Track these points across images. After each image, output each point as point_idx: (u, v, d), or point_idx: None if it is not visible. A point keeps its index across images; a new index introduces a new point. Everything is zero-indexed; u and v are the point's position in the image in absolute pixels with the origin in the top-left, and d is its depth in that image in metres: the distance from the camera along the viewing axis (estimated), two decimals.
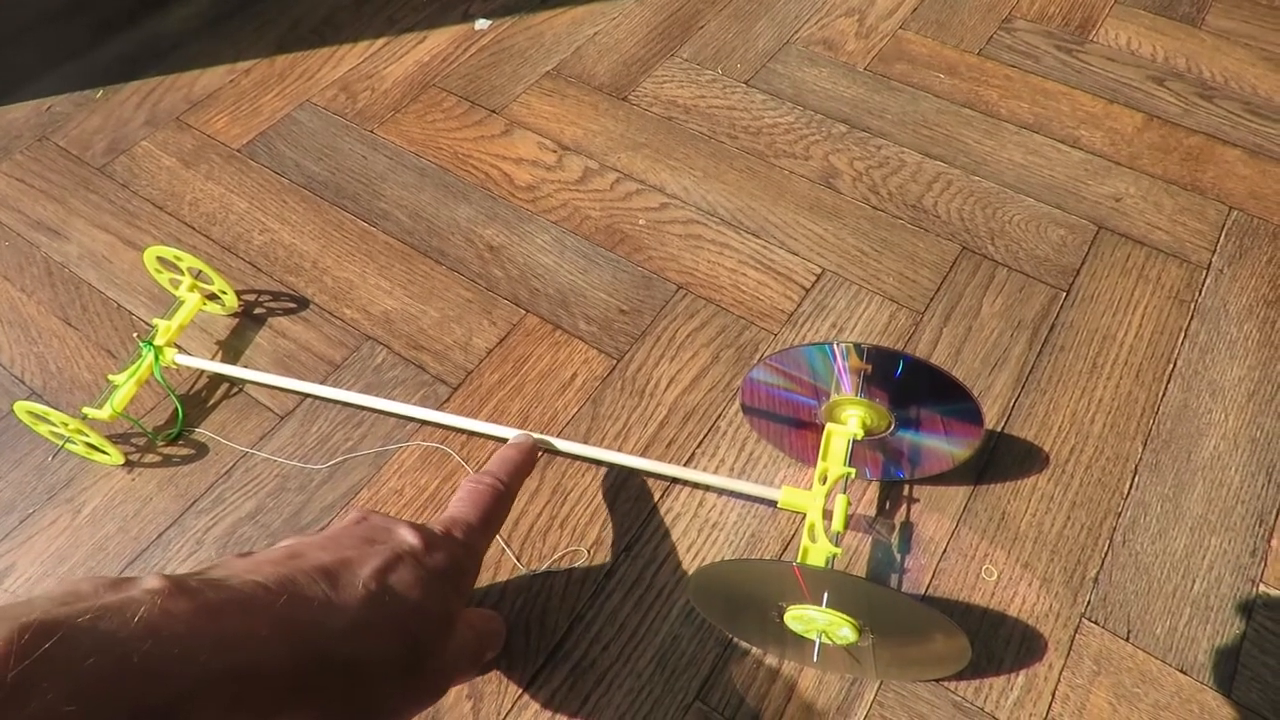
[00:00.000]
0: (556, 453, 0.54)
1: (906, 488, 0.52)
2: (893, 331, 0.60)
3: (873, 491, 0.52)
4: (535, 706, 0.45)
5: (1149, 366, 0.58)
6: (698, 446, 0.55)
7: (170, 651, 0.25)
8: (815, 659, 0.45)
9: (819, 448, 0.46)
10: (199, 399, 0.58)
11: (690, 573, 0.42)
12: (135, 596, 0.26)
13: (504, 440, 0.54)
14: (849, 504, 0.44)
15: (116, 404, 0.53)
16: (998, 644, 0.47)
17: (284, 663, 0.28)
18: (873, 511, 0.51)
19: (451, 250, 0.66)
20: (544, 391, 0.57)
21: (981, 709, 0.45)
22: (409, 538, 0.36)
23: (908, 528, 0.51)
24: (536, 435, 0.51)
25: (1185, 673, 0.46)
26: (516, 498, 0.45)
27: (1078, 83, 0.77)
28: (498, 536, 0.51)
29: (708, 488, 0.52)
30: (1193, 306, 0.61)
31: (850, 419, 0.47)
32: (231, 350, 0.60)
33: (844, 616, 0.39)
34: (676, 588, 0.49)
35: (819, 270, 0.63)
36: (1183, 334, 0.59)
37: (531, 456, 0.46)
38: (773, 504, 0.51)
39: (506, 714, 0.45)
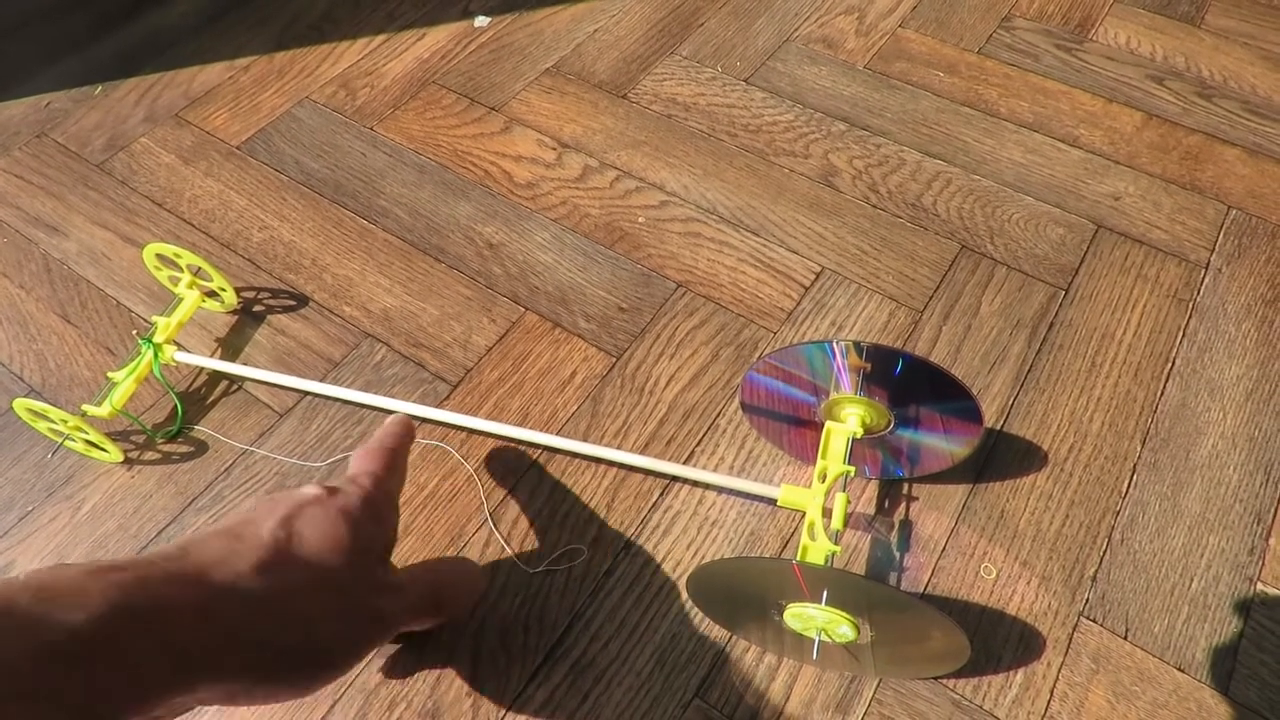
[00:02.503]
0: (557, 451, 0.54)
1: (906, 486, 0.52)
2: (892, 330, 0.60)
3: (872, 490, 0.52)
4: (535, 704, 0.45)
5: (1147, 365, 0.58)
6: (697, 444, 0.55)
7: (51, 601, 0.27)
8: (814, 657, 0.45)
9: (818, 446, 0.46)
10: (198, 396, 0.58)
11: (690, 571, 0.42)
12: (39, 569, 0.28)
13: (503, 438, 0.54)
14: (848, 502, 0.44)
15: (116, 401, 0.53)
16: (996, 642, 0.47)
17: (184, 602, 0.29)
18: (872, 510, 0.52)
19: (451, 248, 0.66)
20: (543, 389, 0.57)
21: (980, 707, 0.45)
22: (310, 490, 0.37)
23: (907, 526, 0.51)
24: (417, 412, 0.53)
25: (1183, 671, 0.46)
26: (407, 473, 0.46)
27: (1077, 82, 0.77)
28: (498, 536, 0.51)
29: (707, 486, 0.52)
30: (1191, 305, 0.61)
31: (849, 417, 0.47)
32: (231, 348, 0.60)
33: (843, 614, 0.39)
34: (676, 586, 0.49)
35: (818, 268, 0.63)
36: (1181, 333, 0.59)
37: (406, 423, 0.46)
38: (772, 502, 0.51)
39: (506, 711, 0.45)
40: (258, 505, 0.36)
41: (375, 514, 0.38)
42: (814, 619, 0.39)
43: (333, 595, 0.33)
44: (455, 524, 0.51)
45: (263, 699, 0.32)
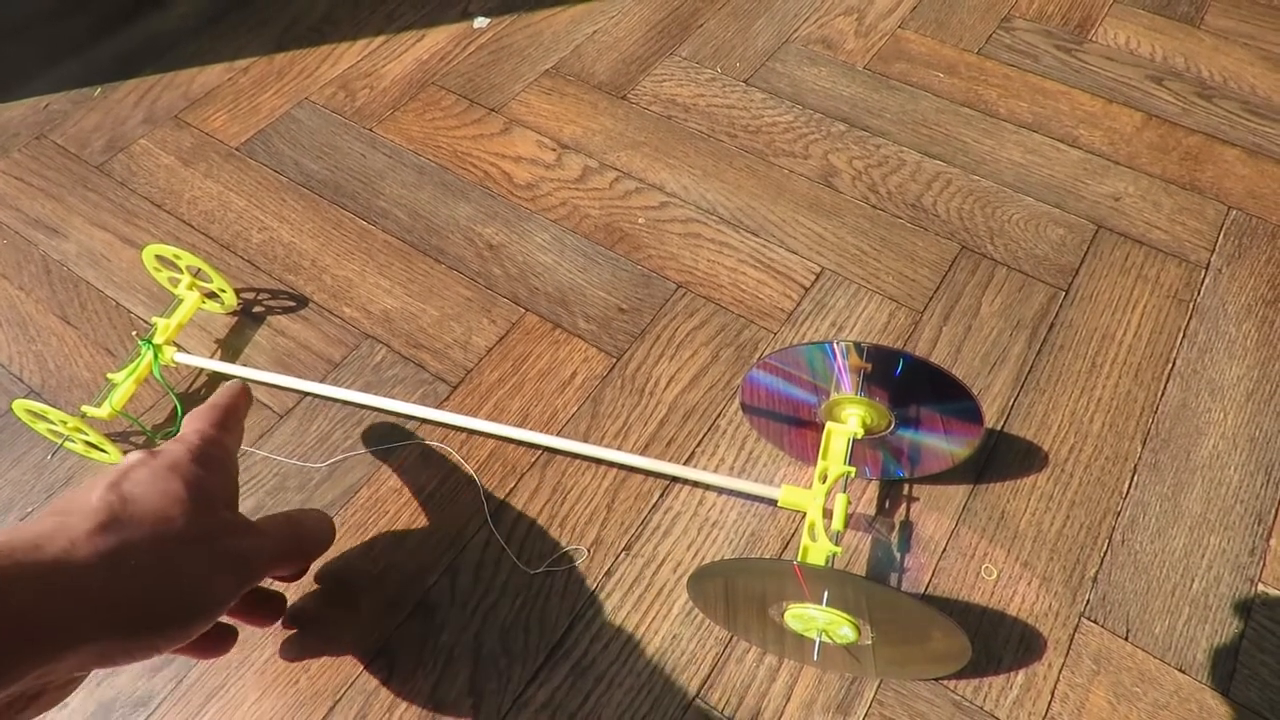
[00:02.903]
0: (557, 452, 0.54)
1: (906, 486, 0.52)
2: (892, 330, 0.60)
3: (872, 490, 0.52)
4: (536, 705, 0.45)
5: (1148, 366, 0.58)
6: (697, 445, 0.55)
7: None
8: (815, 657, 0.45)
9: (819, 446, 0.46)
10: (198, 398, 0.58)
11: (690, 571, 0.42)
12: None
13: (504, 438, 0.54)
14: (849, 503, 0.44)
15: (115, 402, 0.53)
16: (997, 643, 0.47)
17: (23, 582, 0.28)
18: (873, 510, 0.52)
19: (451, 249, 0.65)
20: (543, 390, 0.57)
21: (981, 708, 0.45)
22: (132, 456, 0.36)
23: (907, 526, 0.51)
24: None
25: (1184, 672, 0.46)
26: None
27: (1076, 82, 0.77)
28: (498, 537, 0.51)
29: (708, 486, 0.52)
30: (1191, 306, 0.61)
31: (850, 418, 0.47)
32: (230, 349, 0.60)
33: (844, 615, 0.39)
34: (676, 586, 0.49)
35: (818, 269, 0.63)
36: (1181, 333, 0.59)
37: (245, 390, 0.45)
38: (773, 503, 0.51)
39: (506, 712, 0.45)
40: (81, 485, 0.36)
41: (208, 463, 0.37)
42: (815, 620, 0.39)
43: (181, 545, 0.33)
44: (455, 525, 0.51)
45: (142, 654, 0.32)
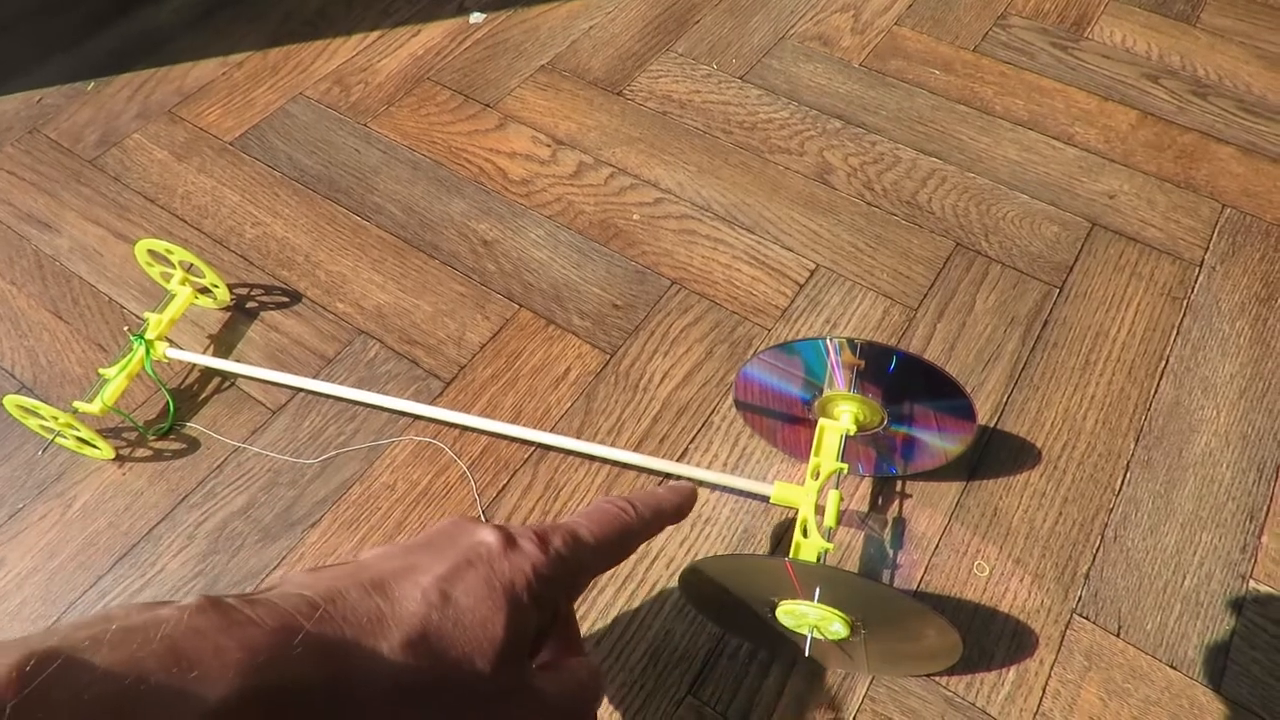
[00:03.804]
0: (550, 448, 0.54)
1: (899, 483, 0.52)
2: (886, 327, 0.60)
3: (865, 487, 0.52)
4: None
5: (1141, 363, 0.58)
6: (691, 441, 0.55)
7: (188, 673, 0.22)
8: (807, 654, 0.45)
9: (812, 443, 0.46)
10: (190, 393, 0.57)
11: (683, 568, 0.42)
12: (162, 615, 0.23)
13: (497, 435, 0.54)
14: (841, 499, 0.44)
15: (107, 398, 0.53)
16: (989, 639, 0.47)
17: (315, 683, 0.24)
18: (865, 507, 0.52)
19: (445, 244, 0.65)
20: (537, 386, 0.57)
21: (973, 704, 0.45)
22: (487, 538, 0.30)
23: (900, 523, 0.51)
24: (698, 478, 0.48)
25: (1175, 668, 0.46)
26: (646, 538, 0.36)
27: (1072, 80, 0.77)
28: None
29: (701, 483, 0.52)
30: (1185, 303, 0.61)
31: (843, 414, 0.47)
32: (223, 344, 0.60)
33: (836, 612, 0.39)
34: (669, 583, 0.49)
35: (813, 266, 0.63)
36: (1175, 331, 0.60)
37: (687, 503, 0.38)
38: (765, 499, 0.51)
39: None
40: (420, 542, 0.30)
41: (543, 596, 0.30)
42: (807, 616, 0.39)
43: (468, 702, 0.28)
44: None
45: None
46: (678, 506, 0.37)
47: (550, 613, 0.31)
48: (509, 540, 0.30)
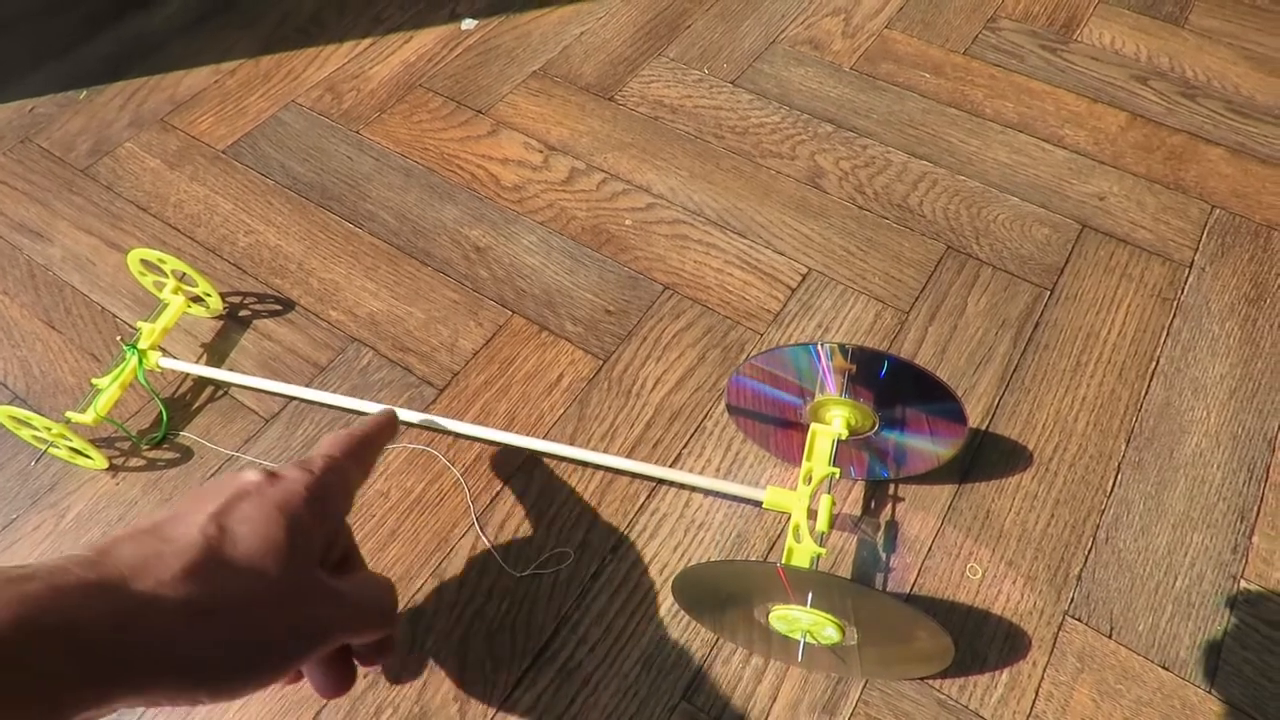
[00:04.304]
0: (544, 455, 0.54)
1: (891, 487, 0.53)
2: (878, 331, 0.60)
3: (858, 491, 0.52)
4: (522, 708, 0.45)
5: (1132, 364, 0.58)
6: (684, 447, 0.55)
7: None
8: (800, 659, 0.45)
9: (804, 448, 0.46)
10: (183, 402, 0.57)
11: (676, 573, 0.42)
12: None
13: (490, 442, 0.54)
14: (834, 504, 0.44)
15: (100, 408, 0.53)
16: (982, 642, 0.47)
17: (97, 616, 0.27)
18: (858, 511, 0.52)
19: (437, 251, 0.65)
20: (530, 392, 0.57)
21: (966, 706, 0.45)
22: (252, 476, 0.34)
23: (892, 527, 0.51)
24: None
25: (1168, 669, 0.46)
26: (376, 463, 0.42)
27: (1062, 82, 0.78)
28: (484, 539, 0.51)
29: (694, 488, 0.52)
30: (1175, 305, 0.61)
31: (835, 419, 0.47)
32: (216, 353, 0.60)
33: (828, 616, 0.39)
34: (663, 589, 0.49)
35: (805, 270, 0.64)
36: (1165, 332, 0.60)
37: (388, 417, 0.43)
38: (758, 504, 0.51)
39: (493, 716, 0.45)
40: (189, 495, 0.33)
41: (320, 507, 0.34)
42: (799, 621, 0.40)
43: (266, 604, 0.31)
44: (442, 528, 0.51)
45: (186, 702, 0.30)
46: (385, 421, 0.42)
47: (333, 525, 0.35)
48: (272, 474, 0.34)
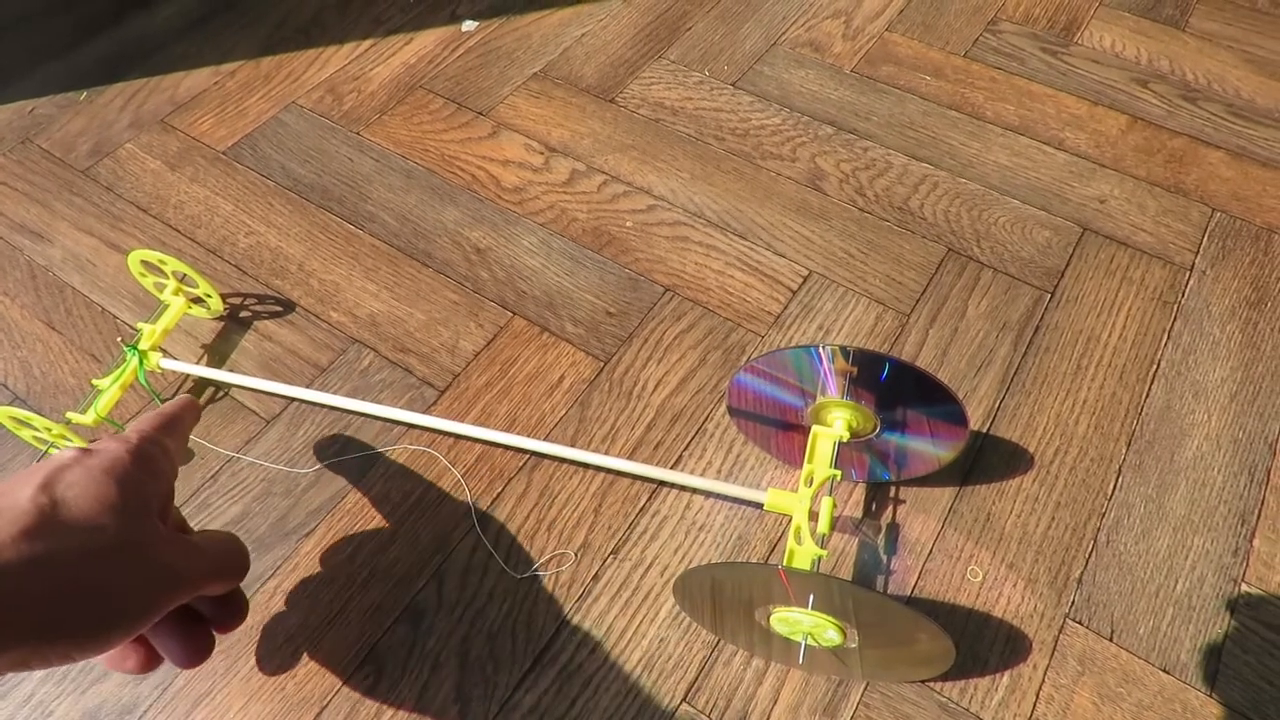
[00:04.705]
0: (544, 456, 0.54)
1: (892, 489, 0.53)
2: (879, 333, 0.60)
3: (859, 493, 0.52)
4: (523, 710, 0.45)
5: (1133, 367, 0.58)
6: (685, 449, 0.55)
7: None
8: (801, 661, 0.45)
9: (805, 450, 0.46)
10: None
11: (677, 575, 0.42)
12: None
13: (491, 443, 0.54)
14: (835, 506, 0.44)
15: (100, 409, 0.53)
16: (983, 645, 0.47)
17: None
18: (859, 513, 0.52)
19: (438, 252, 0.65)
20: (531, 394, 0.57)
21: (966, 709, 0.45)
22: (66, 453, 0.35)
23: (893, 529, 0.51)
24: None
25: (1168, 672, 0.46)
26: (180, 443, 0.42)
27: (1063, 85, 0.78)
28: (485, 541, 0.51)
29: (694, 490, 0.52)
30: (1176, 308, 0.61)
31: (836, 421, 0.47)
32: (217, 354, 0.60)
33: (829, 618, 0.39)
34: (663, 590, 0.49)
35: (806, 272, 0.64)
36: (1166, 335, 0.60)
37: (194, 406, 0.44)
38: (759, 506, 0.51)
39: (493, 717, 0.45)
40: (9, 478, 0.34)
41: (145, 467, 0.36)
42: (800, 623, 0.39)
43: (109, 554, 0.32)
44: (442, 529, 0.51)
45: (57, 661, 0.31)
46: (188, 403, 0.43)
47: (164, 485, 0.37)
48: (86, 449, 0.35)
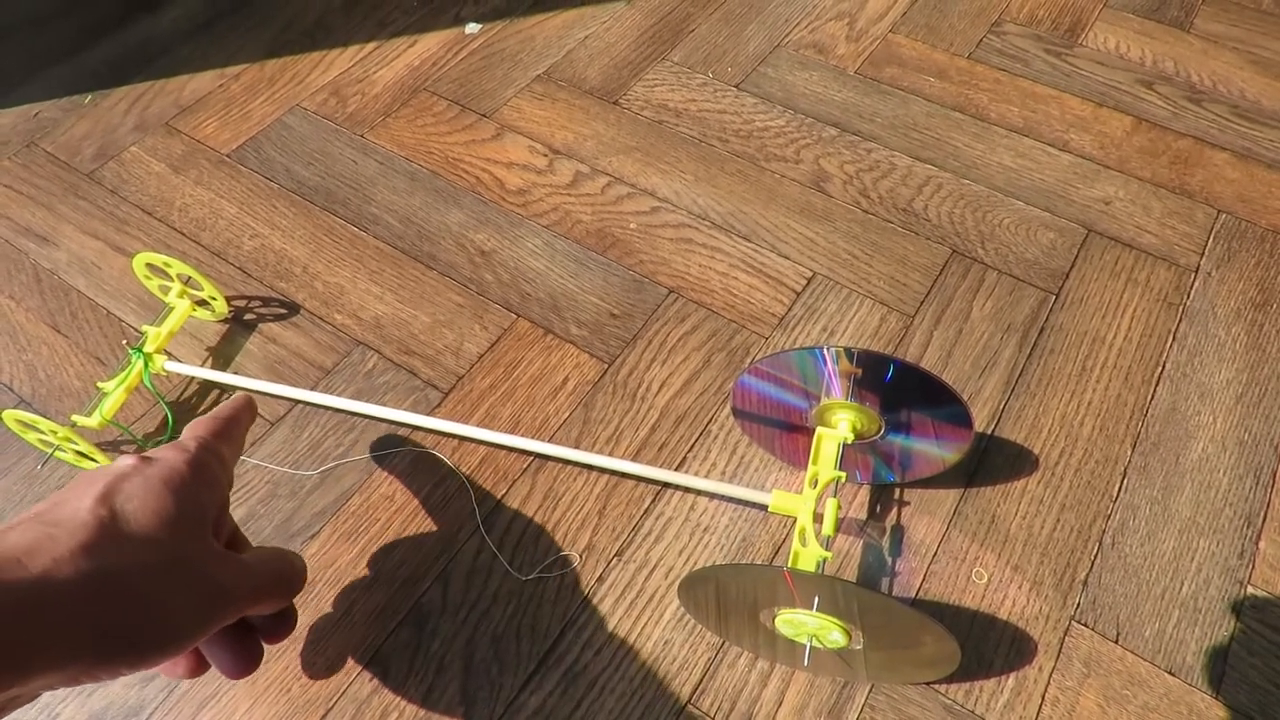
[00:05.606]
0: (549, 458, 0.54)
1: (897, 491, 0.52)
2: (883, 335, 0.60)
3: (863, 495, 0.52)
4: (528, 711, 0.45)
5: (1138, 369, 0.58)
6: (689, 450, 0.55)
7: None
8: (806, 662, 0.45)
9: (810, 452, 0.46)
10: (189, 406, 0.58)
11: (682, 577, 0.42)
12: None
13: (495, 445, 0.54)
14: (839, 508, 0.44)
15: (106, 411, 0.53)
16: (988, 647, 0.47)
17: (3, 599, 0.27)
18: (863, 515, 0.52)
19: (442, 255, 0.66)
20: (535, 396, 0.57)
21: (972, 711, 0.45)
22: (125, 462, 0.35)
23: (898, 531, 0.51)
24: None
25: (1174, 674, 0.46)
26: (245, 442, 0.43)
27: (1067, 86, 0.78)
28: (490, 543, 0.51)
29: (699, 492, 0.52)
30: (1181, 309, 0.61)
31: (841, 423, 0.47)
32: (222, 357, 0.60)
33: (834, 620, 0.39)
34: (668, 592, 0.49)
35: (810, 274, 0.64)
36: (1171, 337, 0.60)
37: (251, 402, 0.44)
38: (764, 508, 0.51)
39: (499, 719, 0.45)
40: (70, 486, 0.34)
41: (202, 478, 0.35)
42: (805, 625, 0.39)
43: (164, 571, 0.32)
44: (447, 532, 0.51)
45: (107, 677, 0.31)
46: (244, 402, 0.43)
47: (219, 495, 0.37)
48: (145, 456, 0.35)
